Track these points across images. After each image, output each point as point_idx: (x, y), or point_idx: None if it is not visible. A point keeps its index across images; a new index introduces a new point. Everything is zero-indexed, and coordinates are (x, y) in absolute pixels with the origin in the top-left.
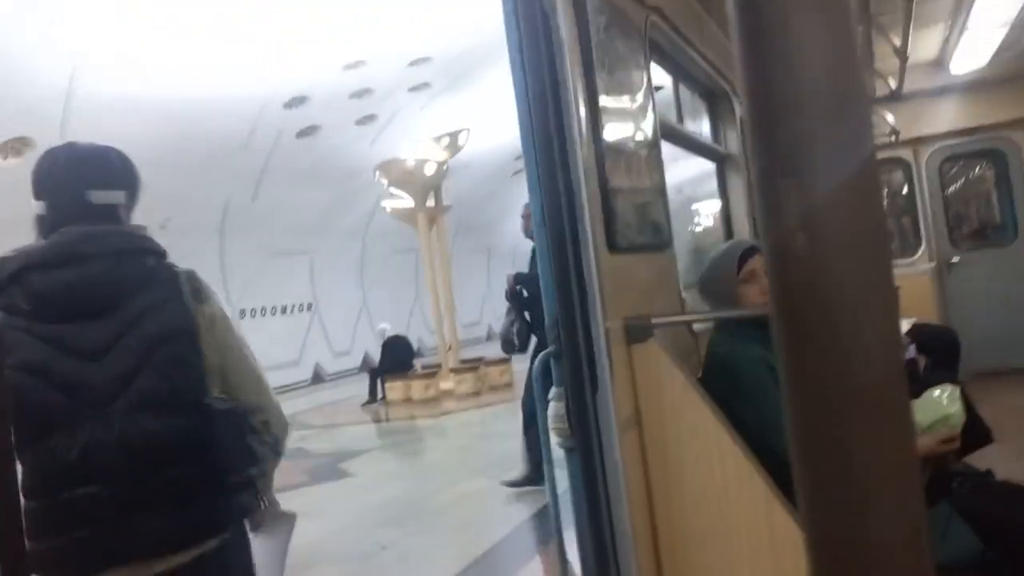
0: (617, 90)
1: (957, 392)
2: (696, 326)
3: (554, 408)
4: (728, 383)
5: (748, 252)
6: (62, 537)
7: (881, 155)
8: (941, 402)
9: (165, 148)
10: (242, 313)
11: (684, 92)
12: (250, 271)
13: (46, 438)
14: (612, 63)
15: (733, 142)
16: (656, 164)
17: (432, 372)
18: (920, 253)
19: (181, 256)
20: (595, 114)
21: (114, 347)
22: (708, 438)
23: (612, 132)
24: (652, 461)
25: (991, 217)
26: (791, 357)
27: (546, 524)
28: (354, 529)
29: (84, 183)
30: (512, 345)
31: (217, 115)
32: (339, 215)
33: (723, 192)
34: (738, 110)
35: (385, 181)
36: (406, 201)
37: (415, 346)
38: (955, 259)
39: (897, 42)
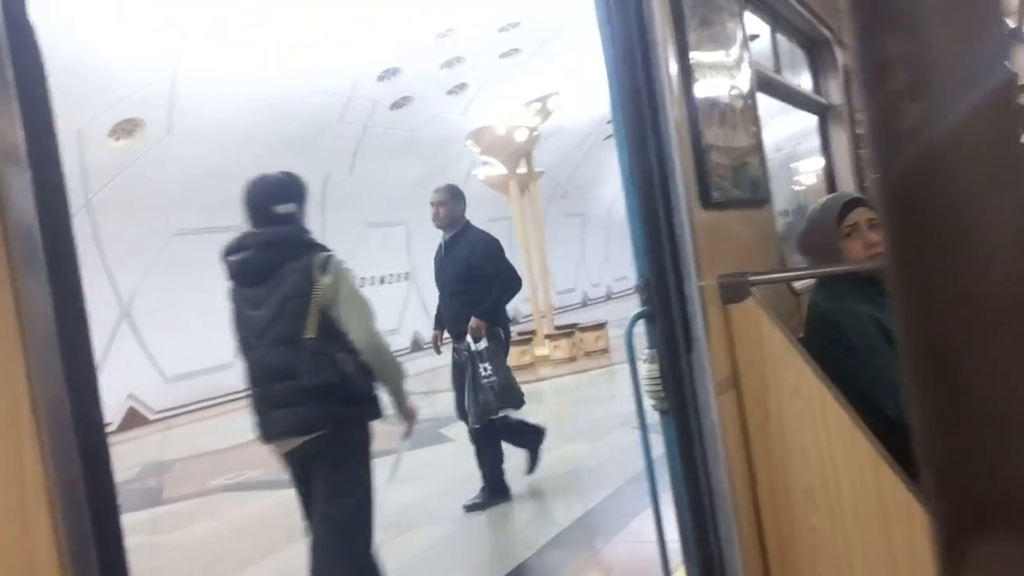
0: (709, 41)
1: None
2: (797, 285)
3: (647, 370)
4: (832, 341)
5: (850, 205)
6: (256, 417)
7: None
8: None
9: (264, 125)
10: None
11: (782, 41)
12: (349, 243)
13: (244, 357)
14: (704, 12)
15: (836, 93)
16: (752, 117)
17: (527, 338)
18: None
19: None
20: (686, 67)
21: (266, 302)
22: (811, 398)
23: (704, 85)
24: (751, 422)
25: None
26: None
27: (645, 486)
28: (453, 493)
29: (268, 200)
30: None
31: (313, 91)
32: (432, 185)
33: (825, 146)
34: (841, 58)
35: (477, 149)
36: (498, 168)
37: (510, 314)
38: None
39: None
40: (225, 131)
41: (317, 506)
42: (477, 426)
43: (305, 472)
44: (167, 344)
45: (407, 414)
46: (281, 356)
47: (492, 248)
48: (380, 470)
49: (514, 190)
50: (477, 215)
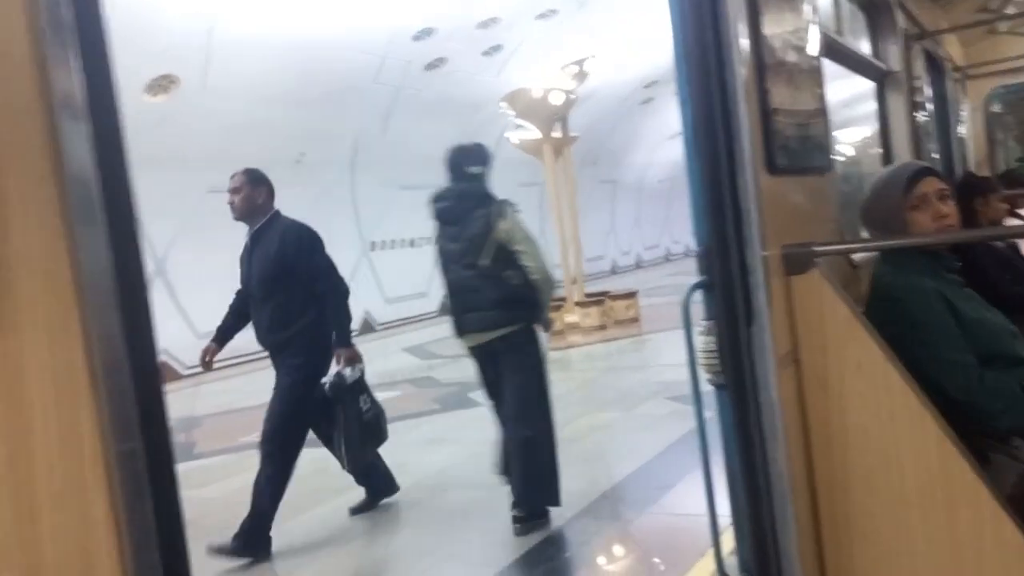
0: None
1: None
2: (856, 257)
3: (703, 342)
4: (896, 316)
5: (918, 175)
6: (453, 318)
7: None
8: None
9: (299, 84)
10: (372, 246)
11: (843, 3)
12: (380, 204)
13: (444, 276)
14: None
15: (894, 59)
16: (818, 80)
17: (557, 305)
18: None
19: (315, 190)
20: (756, 23)
21: (459, 238)
22: (875, 374)
23: (773, 44)
24: (810, 399)
25: None
26: None
27: (678, 459)
28: (483, 457)
29: (463, 163)
30: None
31: (347, 49)
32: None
33: (882, 113)
34: (901, 22)
35: (511, 112)
36: (532, 132)
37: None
38: None
39: None
40: (260, 88)
41: (508, 383)
42: (351, 470)
43: (490, 362)
44: (199, 300)
45: (547, 324)
46: (469, 276)
47: (307, 240)
48: (411, 432)
49: (548, 155)
50: (507, 179)
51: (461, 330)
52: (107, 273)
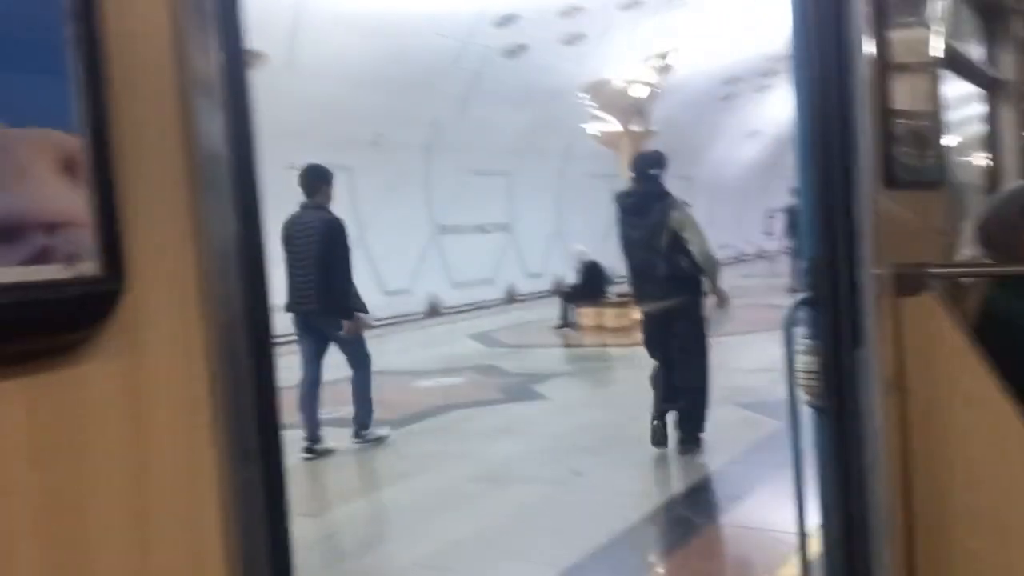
0: None
1: None
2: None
3: (805, 362)
4: (1009, 345)
5: None
6: (635, 291)
7: None
8: None
9: (380, 64)
10: (443, 229)
11: (961, 5)
12: (453, 189)
13: (627, 259)
14: None
15: (1008, 66)
16: (937, 87)
17: (626, 301)
18: None
19: (390, 172)
20: (882, 19)
21: (640, 226)
22: (987, 409)
23: (897, 46)
24: (914, 430)
25: None
26: None
27: (749, 470)
28: (548, 452)
29: (646, 167)
30: None
31: (429, 33)
32: (540, 137)
33: (991, 125)
34: (1019, 30)
35: (592, 103)
36: (611, 124)
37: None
38: None
39: None
40: (342, 68)
41: (678, 341)
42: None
43: (660, 325)
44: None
45: (721, 297)
46: (648, 257)
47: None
48: (476, 421)
49: (625, 148)
50: (578, 170)
51: (640, 299)
52: (231, 247)
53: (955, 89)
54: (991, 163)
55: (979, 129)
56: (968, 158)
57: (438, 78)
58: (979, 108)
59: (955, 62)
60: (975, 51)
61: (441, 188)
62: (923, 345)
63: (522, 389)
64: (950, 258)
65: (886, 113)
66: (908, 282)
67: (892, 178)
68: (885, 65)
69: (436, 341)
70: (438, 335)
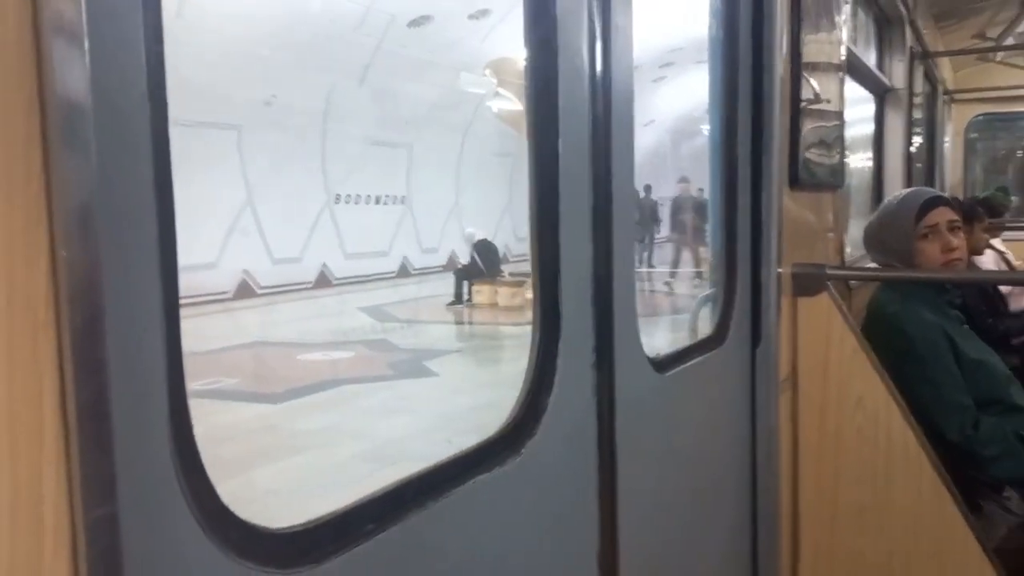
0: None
1: None
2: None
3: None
4: (898, 348)
5: (929, 203)
6: None
7: None
8: None
9: (279, 23)
10: (337, 198)
11: (860, 13)
12: (350, 158)
13: None
14: None
15: (899, 75)
16: (840, 90)
17: (520, 280)
18: None
19: (283, 136)
20: (797, 23)
21: None
22: (876, 410)
23: (810, 47)
24: (804, 428)
25: None
26: None
27: None
28: (440, 431)
29: None
30: None
31: None
32: (441, 111)
33: (879, 130)
34: (910, 39)
35: (495, 80)
36: (513, 104)
37: (501, 252)
38: None
39: None
40: (237, 23)
41: None
42: None
43: None
44: None
45: None
46: None
47: None
48: (366, 397)
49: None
50: (479, 147)
51: None
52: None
53: (850, 93)
54: (876, 166)
55: (868, 133)
56: (857, 161)
57: (338, 42)
58: (869, 112)
59: (853, 68)
60: (870, 57)
61: (339, 155)
62: (817, 345)
63: (414, 365)
64: (842, 258)
65: (796, 114)
66: (807, 282)
67: (796, 179)
68: (798, 67)
69: (325, 313)
70: (328, 307)
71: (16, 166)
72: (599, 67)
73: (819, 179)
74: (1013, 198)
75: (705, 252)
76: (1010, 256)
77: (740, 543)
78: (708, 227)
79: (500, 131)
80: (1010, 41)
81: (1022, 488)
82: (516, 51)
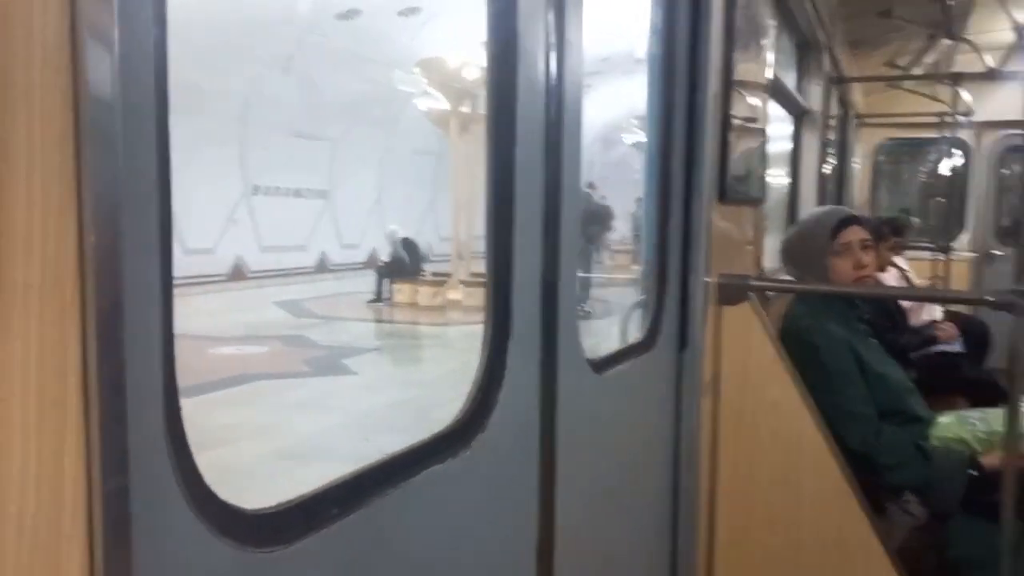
0: (749, 18)
1: None
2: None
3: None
4: (808, 360)
5: (844, 222)
6: None
7: (944, 132)
8: None
9: (202, 6)
10: (255, 189)
11: (783, 37)
12: (270, 148)
13: None
14: None
15: (815, 98)
16: (765, 109)
17: (442, 280)
18: (962, 240)
19: (201, 122)
20: (730, 44)
21: None
22: (791, 416)
23: (740, 68)
24: (724, 430)
25: None
26: None
27: None
28: (355, 429)
29: None
30: None
31: None
32: (369, 106)
33: (795, 150)
34: (827, 65)
35: (424, 79)
36: (441, 103)
37: (423, 251)
38: (997, 252)
39: (1021, 17)
40: None
41: None
42: None
43: None
44: None
45: None
46: None
47: None
48: (280, 394)
49: (455, 128)
50: (405, 145)
51: None
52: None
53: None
54: (792, 184)
55: (785, 151)
56: (775, 178)
57: (263, 27)
58: (787, 132)
59: (776, 89)
60: (790, 81)
61: (258, 145)
62: (738, 353)
63: (330, 363)
64: (761, 270)
65: (726, 131)
66: (731, 292)
67: (724, 193)
68: (728, 87)
69: (240, 307)
70: (242, 300)
71: (52, 158)
72: (553, 80)
73: (744, 194)
74: (914, 219)
75: (606, 256)
76: (911, 274)
77: (662, 536)
78: (609, 234)
79: (426, 130)
80: (918, 71)
81: (920, 493)
82: (446, 50)
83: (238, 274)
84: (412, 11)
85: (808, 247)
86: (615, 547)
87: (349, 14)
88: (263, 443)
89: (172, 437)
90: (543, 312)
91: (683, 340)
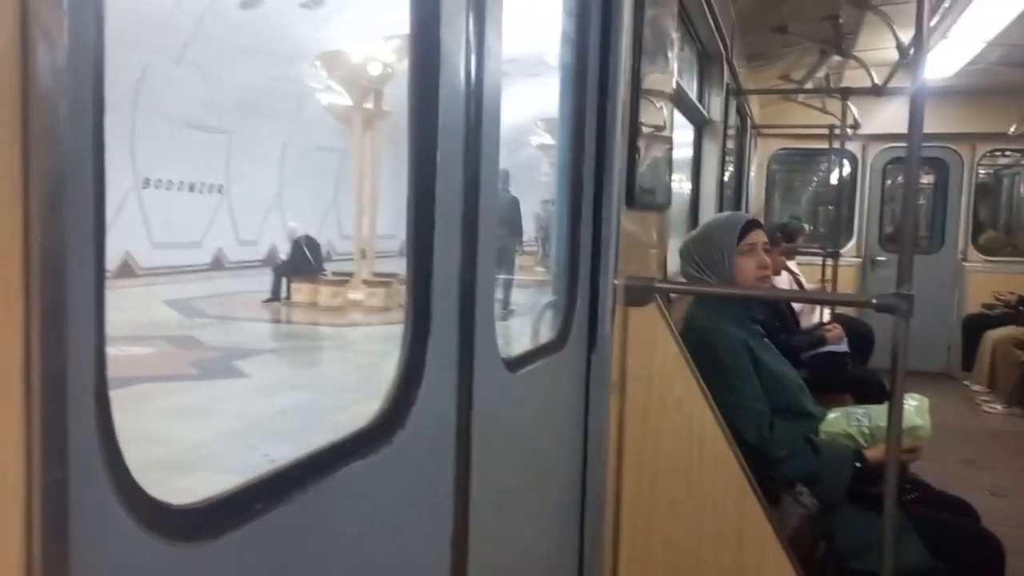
0: (655, 32)
1: (926, 404)
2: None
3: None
4: (707, 359)
5: (750, 225)
6: None
7: (834, 144)
8: (910, 412)
9: None
10: (146, 183)
11: (686, 48)
12: (163, 139)
13: None
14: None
15: (716, 108)
16: (670, 118)
17: (343, 280)
18: (849, 246)
19: None
20: (638, 54)
21: None
22: (692, 413)
23: (647, 77)
24: (629, 428)
25: (921, 225)
26: None
27: None
28: (243, 436)
29: None
30: None
31: None
32: (269, 99)
33: (697, 158)
34: (727, 76)
35: (325, 73)
36: (344, 98)
37: (326, 250)
38: (881, 258)
39: (904, 37)
40: None
41: None
42: None
43: None
44: None
45: None
46: None
47: None
48: (163, 398)
49: (357, 125)
50: (307, 140)
51: None
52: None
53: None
54: (693, 190)
55: (687, 159)
56: (677, 184)
57: (157, 10)
58: (689, 140)
59: (679, 99)
60: (692, 91)
61: (150, 135)
62: (644, 352)
63: (220, 365)
64: (665, 273)
65: (634, 138)
66: (638, 294)
67: (632, 198)
68: (637, 95)
69: (127, 305)
70: (131, 298)
71: (2, 156)
72: (473, 85)
73: (651, 200)
74: (805, 226)
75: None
76: (802, 278)
77: (570, 530)
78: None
79: (329, 125)
80: (810, 85)
81: (810, 485)
82: (350, 44)
83: (127, 271)
84: (316, 3)
85: (715, 247)
86: (526, 539)
87: (249, 3)
88: (141, 451)
89: (103, 432)
90: (461, 311)
91: (592, 340)
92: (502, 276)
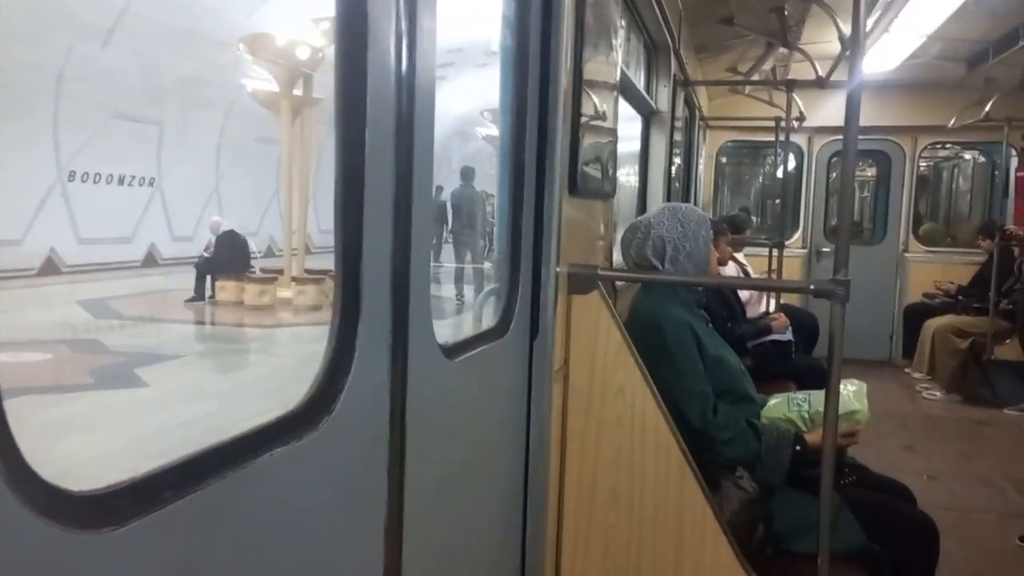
0: (598, 19)
1: (864, 389)
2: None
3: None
4: (652, 343)
5: None
6: None
7: (781, 136)
8: (848, 397)
9: None
10: (72, 176)
11: (632, 39)
12: (89, 129)
13: None
14: None
15: (664, 99)
16: (615, 108)
17: (271, 277)
18: (795, 238)
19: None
20: (580, 43)
21: None
22: (635, 400)
23: (590, 67)
24: (572, 415)
25: (864, 216)
26: None
27: None
28: (129, 455)
29: None
30: None
31: None
32: (201, 87)
33: (645, 148)
34: (674, 67)
35: (249, 57)
36: (270, 84)
37: (267, 245)
38: (826, 249)
39: (846, 30)
40: None
41: None
42: None
43: None
44: None
45: None
46: None
47: None
48: (46, 409)
49: (286, 112)
50: (240, 131)
51: None
52: None
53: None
54: (641, 181)
55: (635, 150)
56: (625, 175)
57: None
58: (637, 131)
59: (626, 89)
60: (639, 82)
61: (74, 125)
62: (587, 340)
63: (120, 373)
64: (610, 261)
65: (576, 127)
66: (581, 281)
67: (575, 186)
68: (579, 84)
69: (37, 304)
70: (47, 297)
71: None
72: (405, 66)
73: (594, 188)
74: (753, 218)
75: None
76: (749, 268)
77: (513, 519)
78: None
79: (269, 115)
80: (757, 77)
81: (751, 468)
82: (279, 28)
83: (51, 268)
84: None
85: (691, 240)
86: (466, 528)
87: None
88: None
89: None
90: (393, 298)
91: (535, 328)
92: (469, 267)
